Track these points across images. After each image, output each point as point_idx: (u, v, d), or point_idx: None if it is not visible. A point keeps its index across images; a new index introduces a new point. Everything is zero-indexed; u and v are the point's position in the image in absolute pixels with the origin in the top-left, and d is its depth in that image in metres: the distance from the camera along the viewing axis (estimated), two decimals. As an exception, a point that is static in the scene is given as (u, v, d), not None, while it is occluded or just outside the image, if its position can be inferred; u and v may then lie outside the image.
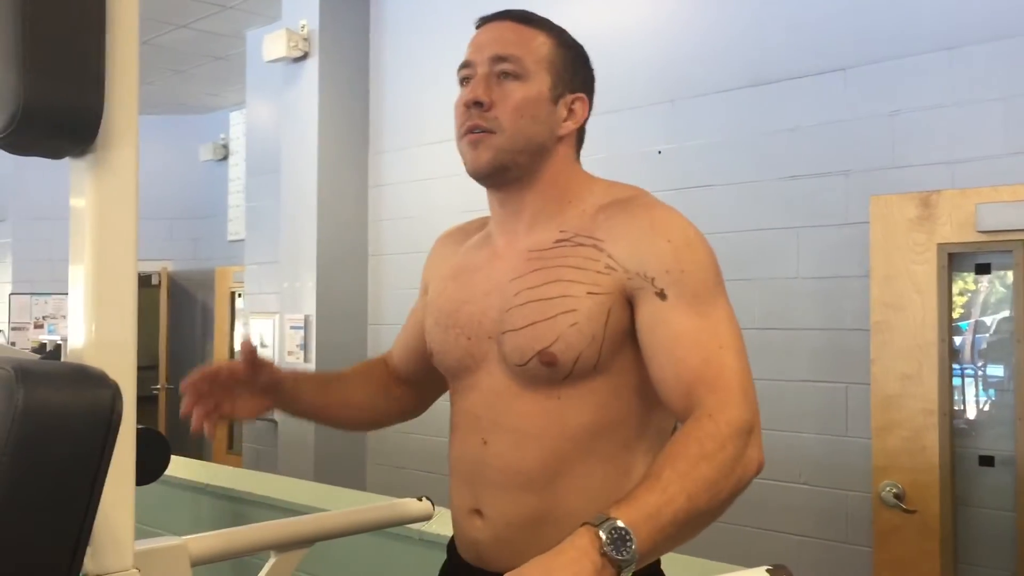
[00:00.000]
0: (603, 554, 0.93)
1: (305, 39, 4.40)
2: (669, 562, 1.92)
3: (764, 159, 3.08)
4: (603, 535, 0.93)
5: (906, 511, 2.65)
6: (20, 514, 0.73)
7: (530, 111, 1.28)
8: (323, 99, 4.37)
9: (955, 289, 2.70)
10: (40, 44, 0.88)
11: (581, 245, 1.25)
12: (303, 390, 1.47)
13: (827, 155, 2.94)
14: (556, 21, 1.39)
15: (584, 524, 0.96)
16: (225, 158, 7.12)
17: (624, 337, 1.22)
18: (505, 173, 1.30)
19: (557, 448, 1.24)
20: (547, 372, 1.22)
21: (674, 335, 1.17)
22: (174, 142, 7.21)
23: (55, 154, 0.96)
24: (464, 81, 1.32)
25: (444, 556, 1.48)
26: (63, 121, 0.90)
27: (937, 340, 2.64)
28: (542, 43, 1.31)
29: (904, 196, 2.73)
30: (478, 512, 1.30)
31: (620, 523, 0.95)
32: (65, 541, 0.75)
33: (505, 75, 1.28)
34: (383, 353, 1.65)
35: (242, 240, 5.76)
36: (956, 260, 2.68)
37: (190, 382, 1.34)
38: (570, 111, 1.33)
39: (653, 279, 1.19)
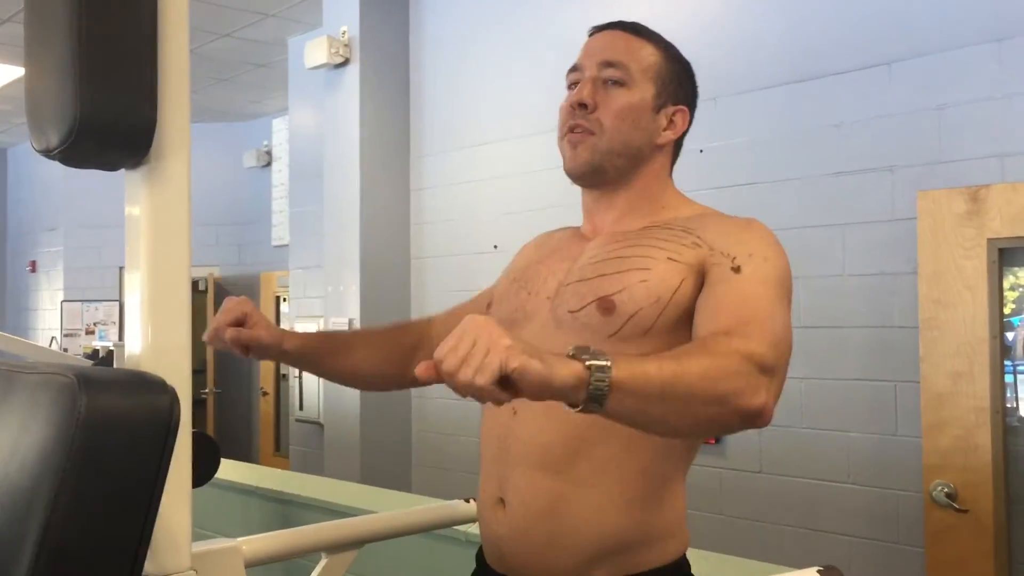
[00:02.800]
0: (573, 356, 0.92)
1: (346, 45, 4.44)
2: (721, 563, 1.91)
3: (808, 156, 3.05)
4: (580, 352, 0.93)
5: (959, 511, 2.61)
6: (84, 517, 0.75)
7: (631, 116, 1.32)
8: (364, 104, 4.41)
9: (1006, 284, 2.65)
10: (95, 60, 0.90)
11: (670, 228, 1.30)
12: (309, 348, 1.51)
13: (873, 151, 2.90)
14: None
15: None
16: (268, 164, 7.21)
17: (684, 313, 1.22)
18: (601, 175, 1.34)
19: (580, 422, 1.17)
20: (599, 321, 1.22)
21: (733, 290, 1.18)
22: (218, 149, 7.32)
23: (110, 166, 0.98)
24: (572, 85, 1.37)
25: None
26: (118, 135, 0.93)
27: (988, 337, 2.60)
28: (650, 53, 1.36)
29: (952, 191, 2.68)
30: (501, 502, 1.30)
31: (596, 350, 0.93)
32: (127, 543, 0.77)
33: (612, 81, 1.33)
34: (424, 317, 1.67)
35: (286, 245, 5.83)
36: (1007, 255, 2.63)
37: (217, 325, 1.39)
38: (670, 122, 1.37)
39: (734, 257, 1.21)
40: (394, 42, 4.52)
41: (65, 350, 7.21)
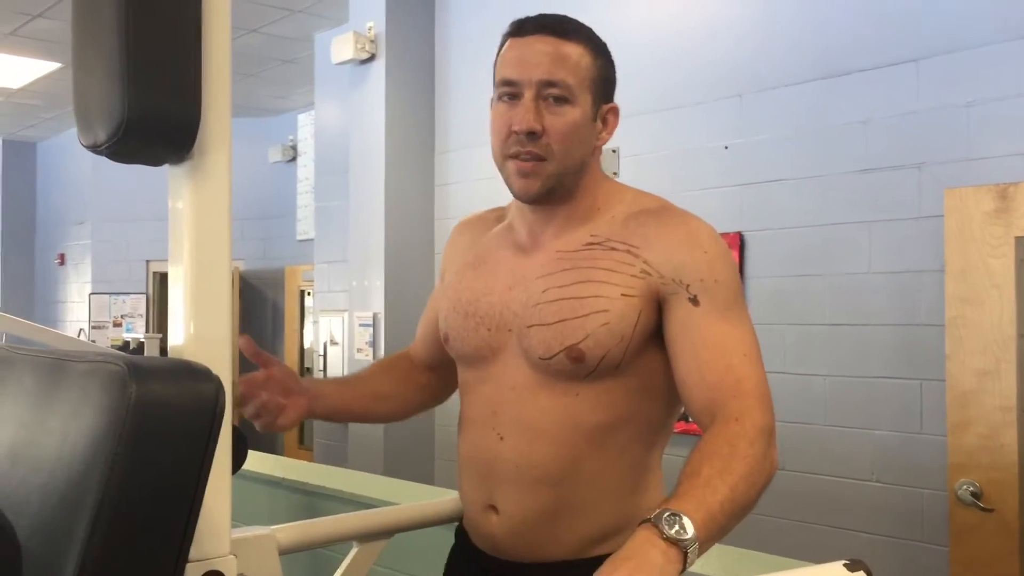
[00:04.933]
0: (665, 538, 0.96)
1: (372, 41, 4.47)
2: (744, 558, 1.92)
3: (835, 153, 3.05)
4: (661, 523, 0.97)
5: (984, 510, 2.60)
6: (135, 500, 0.78)
7: (577, 134, 1.32)
8: (390, 100, 4.44)
9: (1034, 283, 2.64)
10: (141, 59, 0.92)
11: (614, 249, 1.30)
12: (327, 389, 1.52)
13: (900, 148, 2.89)
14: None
15: (641, 523, 0.99)
16: (294, 159, 7.27)
17: (648, 339, 1.28)
18: (552, 195, 1.34)
19: (572, 444, 1.29)
20: (571, 368, 1.27)
21: (703, 340, 1.23)
22: (244, 144, 7.35)
23: (155, 161, 1.01)
24: (506, 97, 1.32)
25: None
26: (163, 131, 0.95)
27: (1016, 335, 2.58)
28: (582, 58, 1.32)
29: (980, 188, 2.67)
30: (493, 508, 1.34)
31: (672, 510, 0.99)
32: (175, 528, 0.80)
33: (555, 99, 1.29)
34: (404, 349, 1.70)
35: (311, 239, 5.88)
36: (1035, 253, 2.62)
37: (245, 389, 1.39)
38: (605, 122, 1.37)
39: (688, 285, 1.25)
40: (420, 38, 4.55)
41: (93, 342, 7.30)
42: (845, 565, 1.16)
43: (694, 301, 1.24)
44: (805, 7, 3.16)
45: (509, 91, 1.32)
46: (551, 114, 1.29)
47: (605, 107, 1.37)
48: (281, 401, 1.40)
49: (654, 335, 1.28)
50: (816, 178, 3.08)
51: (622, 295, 1.26)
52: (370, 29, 4.50)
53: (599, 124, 1.36)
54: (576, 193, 1.36)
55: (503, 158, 1.34)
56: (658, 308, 1.27)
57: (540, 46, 1.31)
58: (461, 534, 1.47)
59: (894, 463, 2.86)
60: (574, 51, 1.32)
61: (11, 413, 1.00)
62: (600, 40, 1.37)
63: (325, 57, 4.95)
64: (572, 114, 1.30)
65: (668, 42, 3.49)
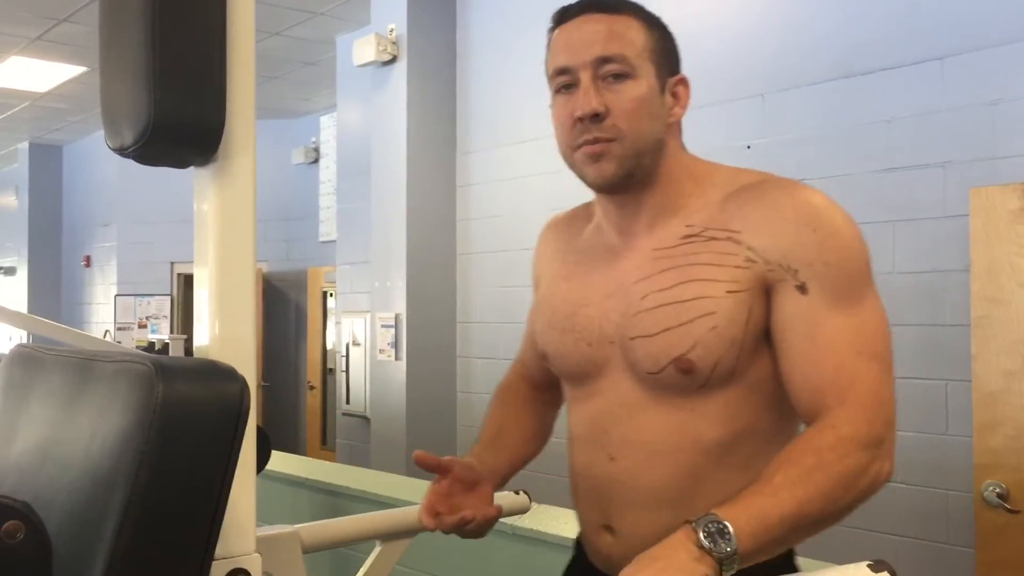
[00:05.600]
0: (699, 546, 0.93)
1: (394, 43, 4.49)
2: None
3: (858, 152, 3.03)
4: (700, 530, 0.94)
5: (1010, 511, 2.57)
6: (163, 497, 0.79)
7: (646, 109, 1.19)
8: (411, 101, 4.46)
9: (1062, 283, 2.61)
10: (168, 63, 0.94)
11: (714, 239, 1.17)
12: (492, 462, 1.40)
13: (925, 147, 2.87)
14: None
15: (684, 522, 0.96)
16: (316, 161, 7.30)
17: (763, 337, 1.15)
18: (631, 179, 1.21)
19: (690, 463, 1.18)
20: (683, 380, 1.15)
21: (810, 335, 1.10)
22: (267, 146, 7.42)
23: (181, 164, 1.02)
24: (563, 88, 1.22)
25: (537, 551, 1.49)
26: (189, 134, 0.96)
27: (1043, 335, 2.56)
28: (637, 31, 1.21)
29: (1006, 187, 2.65)
30: (608, 528, 1.25)
31: (718, 517, 0.95)
32: (202, 524, 0.81)
33: (614, 76, 1.18)
34: (514, 368, 1.58)
35: (333, 241, 5.91)
36: (1063, 253, 2.59)
37: (438, 502, 1.30)
38: (675, 96, 1.24)
39: (796, 271, 1.11)
40: (441, 40, 4.56)
41: (119, 343, 7.37)
42: (869, 566, 1.15)
43: (802, 289, 1.11)
44: (827, 6, 3.15)
45: (565, 80, 1.21)
46: (612, 92, 1.17)
47: (673, 79, 1.23)
48: (479, 513, 1.28)
49: (766, 330, 1.15)
50: (839, 177, 3.06)
51: (728, 292, 1.13)
52: (391, 31, 4.52)
53: (669, 98, 1.22)
54: (660, 178, 1.23)
55: (571, 151, 1.22)
56: (768, 298, 1.14)
57: (588, 25, 1.20)
58: (578, 547, 1.38)
59: (920, 464, 2.84)
60: (626, 24, 1.20)
61: (40, 412, 1.02)
62: (649, 11, 1.25)
63: (347, 59, 4.98)
64: (636, 88, 1.18)
65: (689, 41, 3.46)
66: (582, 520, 1.33)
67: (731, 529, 0.94)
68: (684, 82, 1.25)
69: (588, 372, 1.26)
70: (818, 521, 1.02)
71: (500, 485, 1.39)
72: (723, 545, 0.93)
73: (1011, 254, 2.62)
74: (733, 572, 0.94)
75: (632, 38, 1.20)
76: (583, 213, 1.40)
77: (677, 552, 0.93)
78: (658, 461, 1.19)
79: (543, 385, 1.50)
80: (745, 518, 0.96)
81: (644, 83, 1.19)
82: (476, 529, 1.27)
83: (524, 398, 1.52)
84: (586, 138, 1.18)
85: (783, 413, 1.19)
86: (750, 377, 1.16)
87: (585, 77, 1.18)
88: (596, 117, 1.17)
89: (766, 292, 1.14)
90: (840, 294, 1.11)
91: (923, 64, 2.88)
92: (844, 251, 1.13)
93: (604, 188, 1.23)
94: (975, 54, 2.77)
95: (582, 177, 1.23)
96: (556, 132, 1.24)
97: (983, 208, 2.69)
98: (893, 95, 2.95)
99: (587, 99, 1.17)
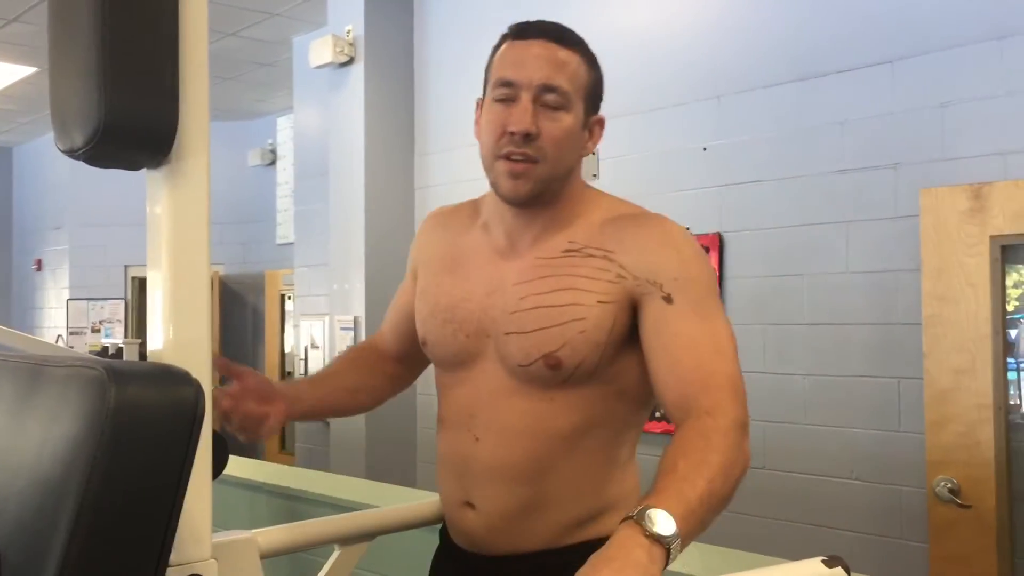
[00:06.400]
0: (648, 535, 0.98)
1: (351, 44, 4.47)
2: (724, 556, 1.93)
3: (811, 154, 3.07)
4: (642, 522, 0.98)
5: (961, 506, 2.63)
6: (115, 505, 0.77)
7: (569, 141, 1.34)
8: (369, 103, 4.44)
9: (1009, 282, 2.67)
10: (118, 63, 0.92)
11: (592, 256, 1.32)
12: (301, 389, 1.53)
13: (876, 148, 2.92)
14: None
15: (622, 521, 1.00)
16: (273, 163, 7.24)
17: (622, 343, 1.30)
18: (539, 198, 1.35)
19: (546, 445, 1.32)
20: (548, 374, 1.30)
21: (675, 337, 1.25)
22: (223, 148, 7.33)
23: (133, 166, 1.00)
24: (504, 100, 1.33)
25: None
26: (141, 136, 0.95)
27: (991, 333, 2.62)
28: (578, 67, 1.34)
29: (955, 188, 2.70)
30: (469, 504, 1.38)
31: (653, 507, 1.00)
32: (156, 531, 0.80)
33: (551, 104, 1.31)
34: (373, 335, 1.71)
35: (291, 243, 5.86)
36: (1009, 252, 2.65)
37: (227, 404, 1.39)
38: (590, 133, 1.40)
39: (661, 285, 1.27)
40: (398, 41, 4.55)
41: (71, 348, 7.24)
42: (823, 561, 1.17)
43: (668, 299, 1.26)
44: (782, 10, 3.19)
45: (506, 92, 1.33)
46: (547, 119, 1.31)
47: (593, 118, 1.39)
48: (261, 410, 1.40)
49: (628, 339, 1.31)
50: (794, 179, 3.11)
51: (598, 302, 1.29)
52: (348, 32, 4.49)
53: (586, 133, 1.38)
54: (559, 199, 1.37)
55: (493, 158, 1.34)
56: (632, 311, 1.30)
57: (540, 51, 1.33)
58: (444, 534, 1.50)
59: (873, 461, 2.89)
60: (572, 59, 1.34)
61: (-12, 419, 1.00)
62: (591, 51, 1.40)
63: (304, 60, 4.94)
64: (567, 120, 1.32)
65: (646, 44, 3.50)
66: (445, 499, 1.44)
67: (666, 515, 1.00)
68: (601, 123, 1.42)
69: (463, 361, 1.39)
70: (722, 498, 1.10)
71: (299, 415, 1.50)
72: (665, 529, 0.98)
73: (960, 254, 2.68)
74: (675, 559, 1.00)
75: (573, 73, 1.33)
76: (468, 210, 1.52)
77: (631, 549, 0.97)
78: (517, 443, 1.33)
79: (391, 356, 1.65)
80: (673, 504, 1.02)
81: (573, 117, 1.33)
82: (258, 431, 1.40)
83: (365, 358, 1.65)
84: (511, 151, 1.31)
85: (633, 407, 1.36)
86: (606, 376, 1.31)
87: (526, 97, 1.31)
88: (528, 137, 1.30)
89: (631, 305, 1.29)
90: (699, 304, 1.27)
91: (874, 67, 2.93)
92: (701, 271, 1.31)
93: (514, 203, 1.36)
94: (924, 57, 2.83)
95: (495, 185, 1.36)
96: (482, 135, 1.37)
97: (933, 208, 2.74)
98: (846, 98, 3.00)
99: (523, 118, 1.30)
